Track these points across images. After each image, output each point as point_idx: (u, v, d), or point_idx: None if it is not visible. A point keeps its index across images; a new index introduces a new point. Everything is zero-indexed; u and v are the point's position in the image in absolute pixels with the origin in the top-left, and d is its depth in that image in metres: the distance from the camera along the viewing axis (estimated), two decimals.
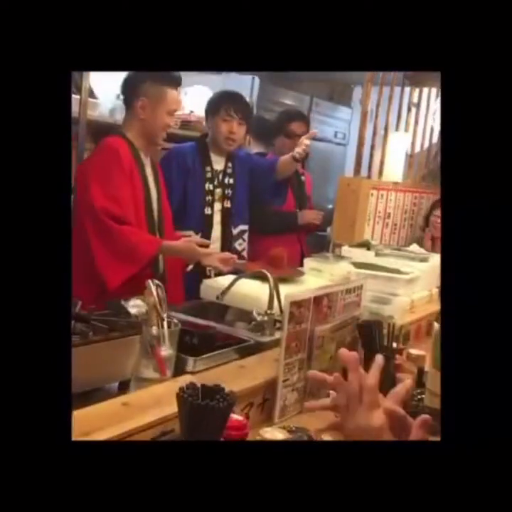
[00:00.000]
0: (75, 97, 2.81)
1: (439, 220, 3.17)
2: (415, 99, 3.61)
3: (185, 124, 3.40)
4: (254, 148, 3.56)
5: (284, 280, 1.96)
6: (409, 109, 3.54)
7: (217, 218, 2.71)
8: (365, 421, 0.87)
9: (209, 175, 2.68)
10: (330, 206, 3.61)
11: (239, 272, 2.04)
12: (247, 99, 3.95)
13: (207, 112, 2.79)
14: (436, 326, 1.47)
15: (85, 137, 2.86)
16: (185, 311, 1.84)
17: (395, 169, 3.37)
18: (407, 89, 3.49)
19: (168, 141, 2.71)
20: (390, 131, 3.33)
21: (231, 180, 2.74)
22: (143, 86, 2.15)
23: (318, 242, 3.47)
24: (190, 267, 2.50)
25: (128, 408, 1.14)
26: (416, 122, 3.63)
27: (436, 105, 3.66)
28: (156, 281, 1.47)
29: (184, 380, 1.25)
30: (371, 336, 1.60)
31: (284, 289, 1.73)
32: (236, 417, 1.11)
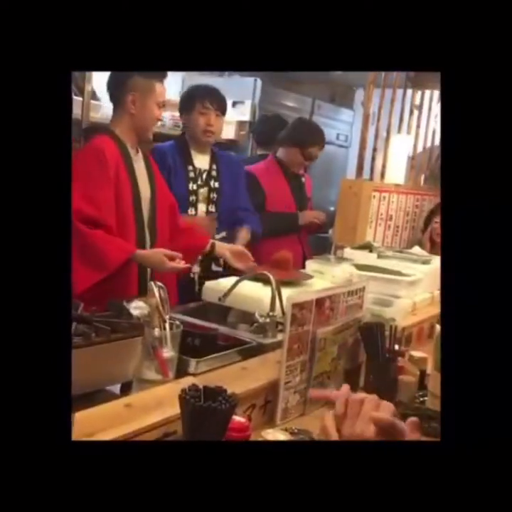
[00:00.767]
0: (77, 99, 2.82)
1: (439, 226, 3.17)
2: (417, 102, 3.61)
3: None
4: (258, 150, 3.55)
5: (289, 283, 1.95)
6: (411, 112, 3.53)
7: None
8: (360, 432, 0.87)
9: (192, 174, 2.63)
10: (332, 208, 3.61)
11: (240, 274, 2.04)
12: (250, 101, 3.99)
13: (182, 109, 2.72)
14: (438, 328, 1.47)
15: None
16: (187, 313, 1.84)
17: (397, 171, 3.37)
18: (410, 91, 3.49)
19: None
20: (392, 134, 3.33)
21: (217, 184, 2.69)
22: (131, 80, 2.14)
23: (320, 244, 3.47)
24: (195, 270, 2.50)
25: (130, 410, 1.14)
26: (418, 125, 3.62)
27: (438, 107, 3.65)
28: (159, 283, 1.47)
29: (186, 381, 1.25)
30: (373, 338, 1.60)
31: (286, 291, 1.73)
32: (238, 418, 1.11)
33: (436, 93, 3.64)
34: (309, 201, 3.31)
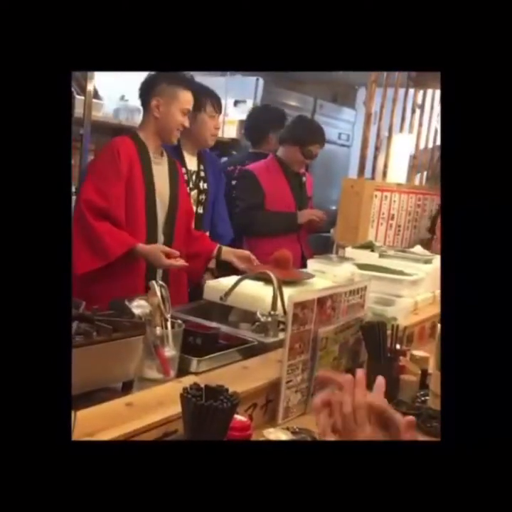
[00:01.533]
0: (79, 98, 2.83)
1: None
2: (419, 101, 3.61)
3: None
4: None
5: (289, 282, 1.96)
6: (413, 111, 3.53)
7: None
8: (356, 434, 0.87)
9: (185, 177, 2.63)
10: (333, 208, 3.60)
11: (242, 273, 2.04)
12: (252, 100, 3.98)
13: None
14: (440, 327, 1.47)
15: (89, 138, 2.87)
16: (189, 312, 1.84)
17: (398, 171, 3.37)
18: (411, 90, 3.48)
19: None
20: (393, 133, 3.33)
21: (205, 185, 2.71)
22: (158, 87, 2.25)
23: (321, 244, 3.47)
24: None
25: (131, 408, 1.14)
26: (420, 124, 3.62)
27: (440, 107, 3.66)
28: (160, 282, 1.47)
29: (188, 380, 1.25)
30: (375, 338, 1.60)
31: (288, 291, 1.73)
32: (239, 417, 1.11)
33: (438, 92, 3.64)
34: (310, 200, 3.31)
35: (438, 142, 3.77)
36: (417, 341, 2.08)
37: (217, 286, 1.97)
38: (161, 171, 2.30)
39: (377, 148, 3.23)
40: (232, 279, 1.94)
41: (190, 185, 2.65)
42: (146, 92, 2.30)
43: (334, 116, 4.87)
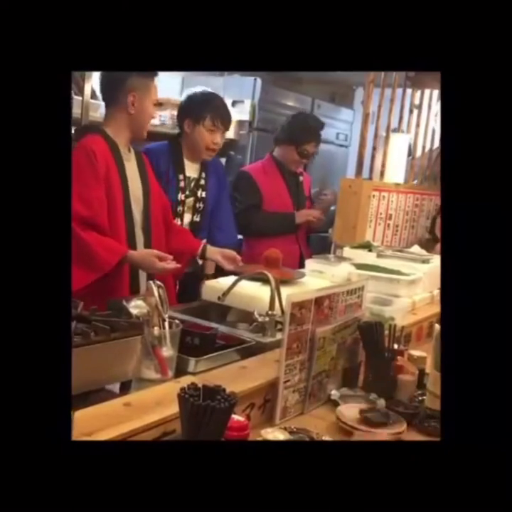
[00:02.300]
0: (77, 99, 2.82)
1: None
2: (417, 101, 3.61)
3: None
4: None
5: (285, 282, 1.96)
6: (411, 111, 3.53)
7: None
8: None
9: (182, 184, 2.57)
10: (332, 208, 3.61)
11: (237, 274, 2.03)
12: (249, 100, 3.97)
13: (188, 112, 2.60)
14: (438, 327, 1.47)
15: None
16: (187, 312, 1.84)
17: (396, 171, 3.37)
18: (409, 90, 3.48)
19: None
20: (391, 133, 3.33)
21: (204, 194, 2.65)
22: (131, 81, 2.14)
23: (319, 244, 3.47)
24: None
25: (129, 409, 1.14)
26: (418, 124, 3.63)
27: (437, 107, 3.66)
28: (158, 282, 1.47)
29: (185, 380, 1.25)
30: (372, 338, 1.60)
31: (286, 290, 1.73)
32: (237, 417, 1.12)
33: (436, 92, 3.65)
34: (308, 200, 3.31)
35: (436, 142, 3.78)
36: (415, 341, 2.09)
37: (215, 286, 1.97)
38: (131, 168, 2.21)
39: (375, 149, 3.23)
40: (230, 279, 1.94)
41: (187, 193, 2.60)
42: (115, 87, 2.17)
43: (332, 116, 4.86)
